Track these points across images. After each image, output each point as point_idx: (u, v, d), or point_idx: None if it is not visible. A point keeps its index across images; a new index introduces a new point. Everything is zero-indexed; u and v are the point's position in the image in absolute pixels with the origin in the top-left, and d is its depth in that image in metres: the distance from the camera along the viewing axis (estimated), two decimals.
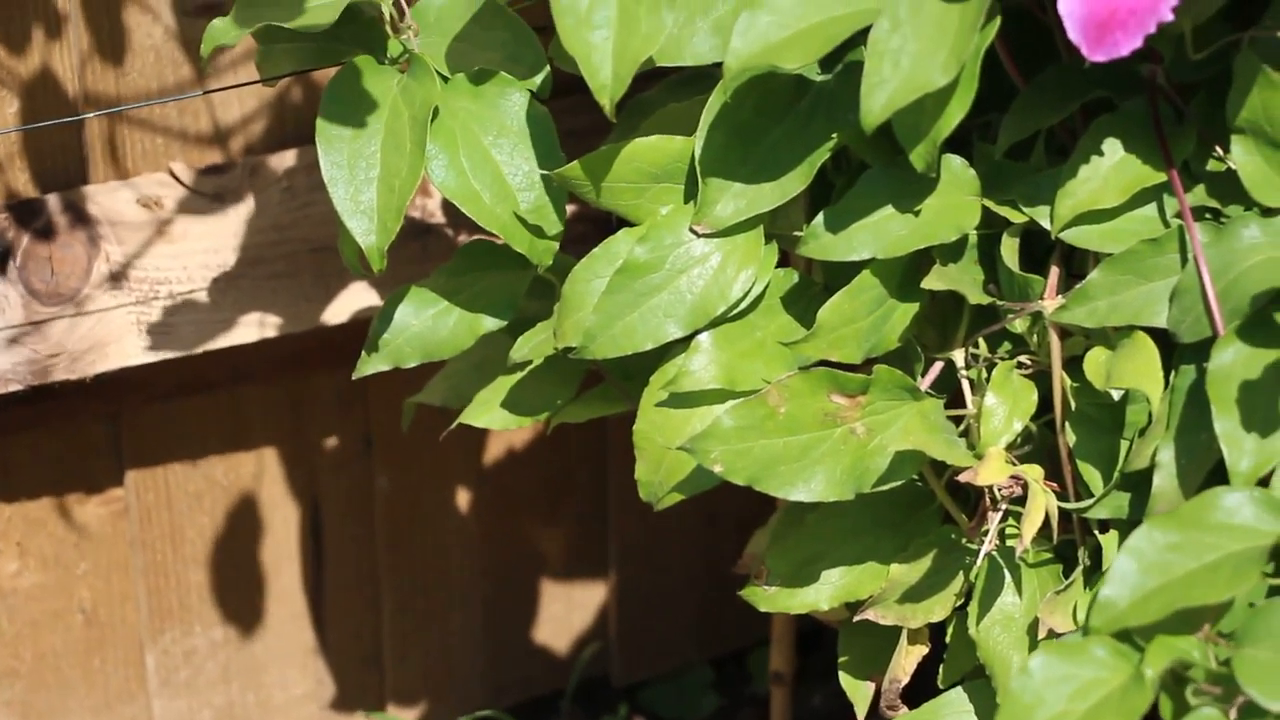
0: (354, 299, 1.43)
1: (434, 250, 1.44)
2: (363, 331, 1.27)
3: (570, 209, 1.21)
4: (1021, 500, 1.10)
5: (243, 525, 1.56)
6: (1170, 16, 0.98)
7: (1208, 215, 1.09)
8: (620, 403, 1.26)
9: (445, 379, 1.31)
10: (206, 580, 1.56)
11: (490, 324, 1.23)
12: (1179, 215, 1.08)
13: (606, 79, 1.08)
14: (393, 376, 1.31)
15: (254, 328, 1.41)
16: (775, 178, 1.11)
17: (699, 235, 1.12)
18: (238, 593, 1.57)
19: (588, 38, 1.08)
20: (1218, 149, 1.10)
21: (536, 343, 1.20)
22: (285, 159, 1.40)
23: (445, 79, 1.18)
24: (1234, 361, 1.04)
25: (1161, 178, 1.08)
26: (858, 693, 1.21)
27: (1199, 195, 1.09)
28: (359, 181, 1.15)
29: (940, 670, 1.17)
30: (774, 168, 1.12)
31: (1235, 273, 1.06)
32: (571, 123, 1.30)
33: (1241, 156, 1.07)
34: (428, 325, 1.23)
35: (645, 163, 1.14)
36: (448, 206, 1.44)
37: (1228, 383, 1.04)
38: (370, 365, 1.24)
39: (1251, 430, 1.03)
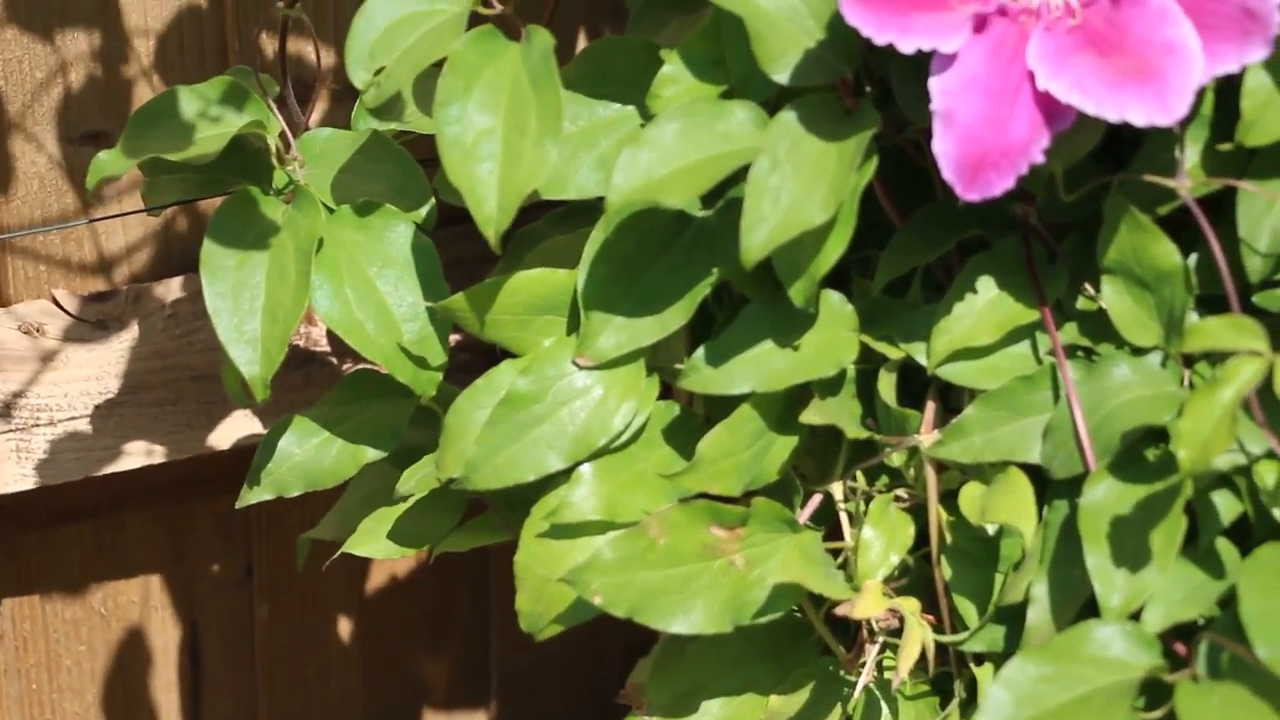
0: (237, 426, 1.43)
1: (318, 379, 1.44)
2: (246, 459, 1.27)
3: (455, 338, 1.21)
4: (899, 632, 1.11)
5: (121, 654, 1.55)
6: (1041, 159, 1.00)
7: (1080, 353, 1.11)
8: (502, 533, 1.26)
9: (337, 514, 1.32)
10: (83, 710, 1.54)
11: (373, 454, 1.23)
12: (1052, 353, 1.10)
13: (492, 212, 1.10)
14: (275, 504, 1.31)
15: (136, 455, 1.41)
16: (657, 311, 1.13)
17: (581, 368, 1.13)
18: None
19: (473, 171, 1.09)
20: (1089, 288, 1.12)
21: (421, 475, 1.21)
22: (170, 287, 1.40)
23: (331, 210, 1.18)
24: (1105, 497, 1.06)
25: (1035, 316, 1.10)
26: None
27: (1071, 333, 1.11)
28: (243, 311, 1.15)
29: None
30: (656, 301, 1.13)
31: (1106, 410, 1.08)
32: (458, 251, 1.31)
33: (1112, 296, 1.09)
34: (310, 455, 1.23)
35: (529, 295, 1.15)
36: (333, 335, 1.45)
37: (1099, 518, 1.06)
38: (253, 495, 1.24)
39: (1122, 565, 1.05)
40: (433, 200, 1.19)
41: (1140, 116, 0.98)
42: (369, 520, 1.25)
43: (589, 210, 1.18)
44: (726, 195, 1.13)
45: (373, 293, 1.17)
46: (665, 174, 1.07)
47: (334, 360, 1.45)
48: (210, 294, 1.16)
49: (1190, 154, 1.08)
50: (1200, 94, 1.00)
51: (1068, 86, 0.99)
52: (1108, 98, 0.98)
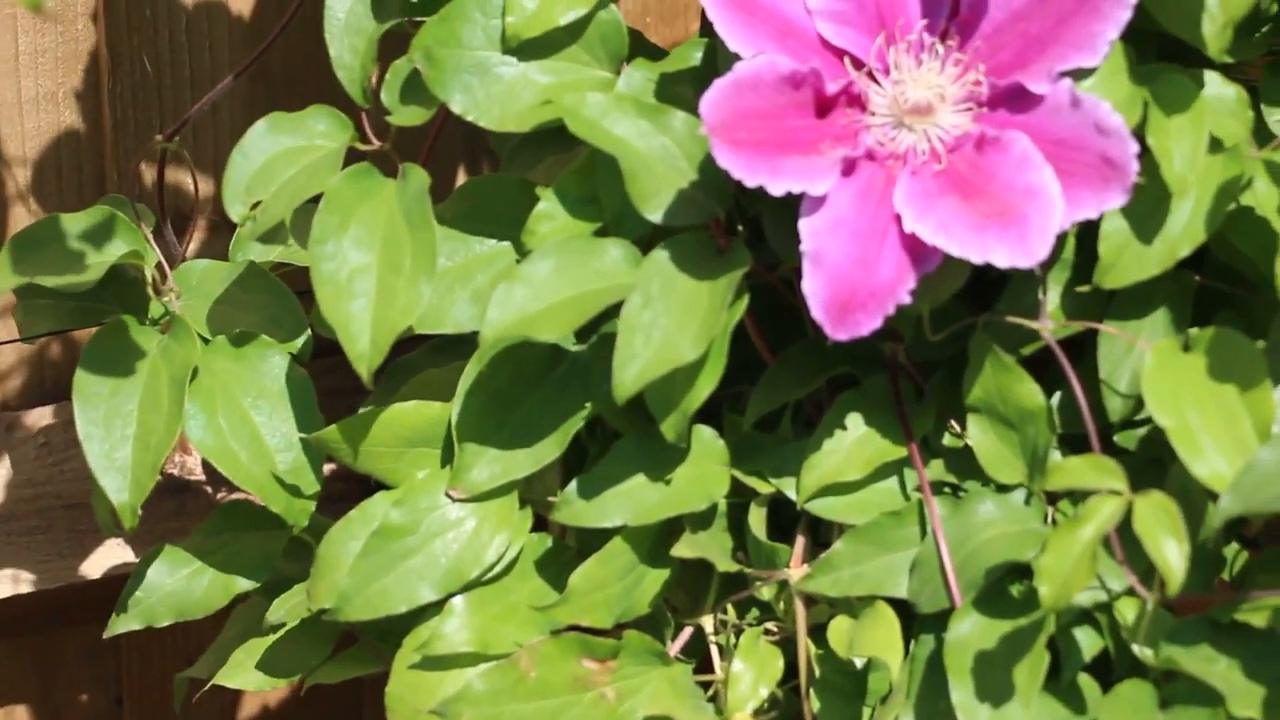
0: (108, 555, 1.42)
1: (192, 507, 1.44)
2: (117, 588, 1.27)
3: (329, 468, 1.22)
4: None
5: None
6: (908, 299, 1.02)
7: (946, 490, 1.13)
8: (375, 664, 1.26)
9: (214, 651, 1.31)
10: None
11: (244, 584, 1.23)
12: (919, 489, 1.12)
13: (364, 348, 1.10)
14: (146, 634, 1.30)
15: (4, 584, 1.40)
16: (530, 444, 1.14)
17: (455, 500, 1.14)
18: None
19: (347, 308, 1.10)
20: (955, 425, 1.14)
21: (292, 605, 1.20)
22: (42, 415, 1.40)
23: (206, 340, 1.19)
24: (970, 633, 1.08)
25: (902, 452, 1.12)
26: None
27: (938, 470, 1.13)
28: (114, 439, 1.15)
29: None
30: (529, 435, 1.14)
31: (972, 546, 1.10)
32: (334, 381, 1.32)
33: (977, 434, 1.11)
34: (181, 585, 1.23)
35: (403, 427, 1.15)
36: (208, 464, 1.44)
37: (964, 653, 1.07)
38: (122, 624, 1.24)
39: (986, 700, 1.06)
40: (308, 331, 1.20)
41: (1003, 259, 1.00)
42: (240, 651, 1.24)
43: (464, 343, 1.19)
44: (600, 330, 1.14)
45: (247, 422, 1.18)
46: (539, 309, 1.08)
47: (209, 489, 1.45)
48: (82, 421, 1.16)
49: (1052, 296, 1.11)
50: (1062, 238, 1.03)
51: (933, 229, 1.01)
52: (972, 240, 1.01)
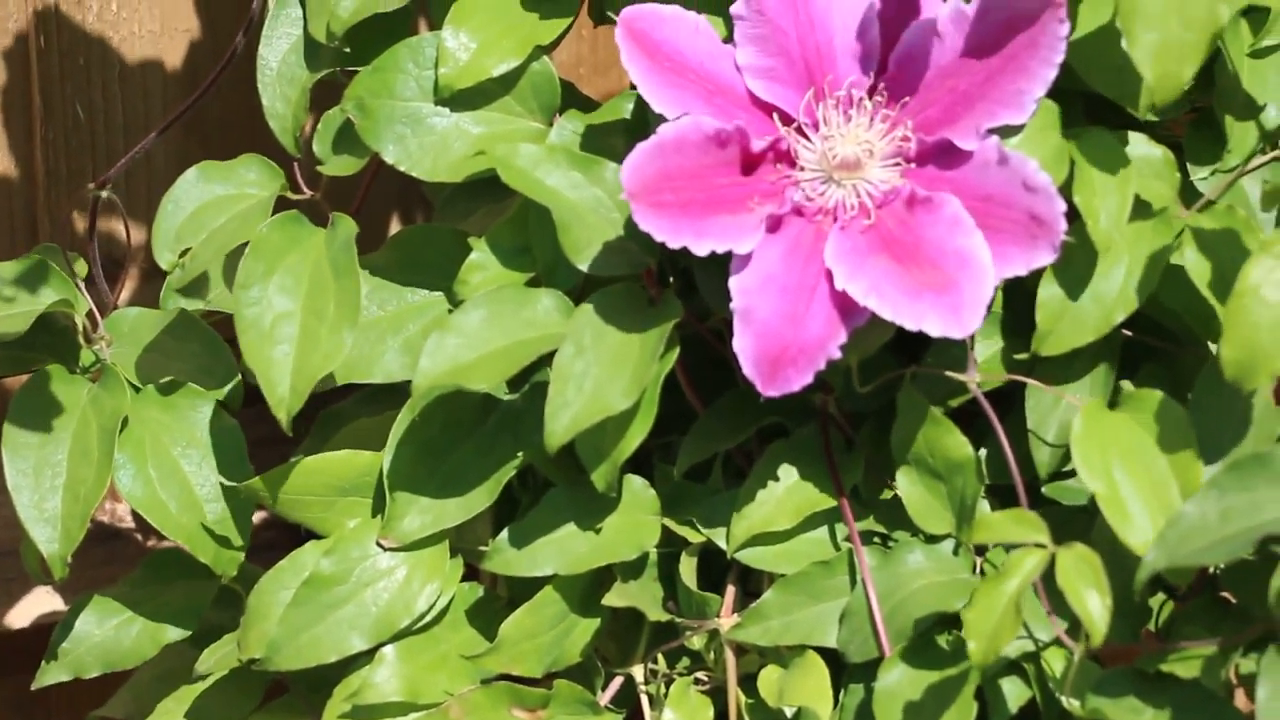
0: (37, 604, 1.41)
1: (122, 555, 1.43)
2: (45, 637, 1.26)
3: (260, 516, 1.22)
4: None
5: None
6: (838, 354, 1.03)
7: (876, 540, 1.13)
8: (305, 713, 1.26)
9: (129, 690, 1.30)
10: None
11: (174, 634, 1.23)
12: (849, 539, 1.13)
13: (284, 394, 1.11)
14: (74, 684, 1.29)
15: None
16: (462, 493, 1.14)
17: (385, 549, 1.14)
18: None
19: (269, 353, 1.11)
20: (885, 477, 1.14)
21: (221, 654, 1.20)
22: None
23: (137, 389, 1.19)
24: (899, 682, 1.08)
25: (832, 503, 1.13)
26: None
27: (868, 520, 1.14)
28: (44, 489, 1.15)
29: None
30: (461, 484, 1.14)
31: (901, 596, 1.10)
32: (265, 430, 1.31)
33: (906, 485, 1.12)
34: (110, 635, 1.23)
35: (334, 476, 1.15)
36: (138, 513, 1.44)
37: (893, 703, 1.08)
38: (50, 675, 1.23)
39: None
40: (238, 379, 1.20)
41: (935, 329, 1.00)
42: (168, 700, 1.24)
43: (396, 392, 1.19)
44: (532, 380, 1.14)
45: (176, 472, 1.18)
46: (471, 359, 1.09)
47: (138, 537, 1.45)
48: (11, 471, 1.15)
49: (981, 349, 1.12)
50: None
51: (865, 290, 1.02)
52: (905, 306, 1.01)
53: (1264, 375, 0.98)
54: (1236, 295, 0.97)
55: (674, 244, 1.02)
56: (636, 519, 1.14)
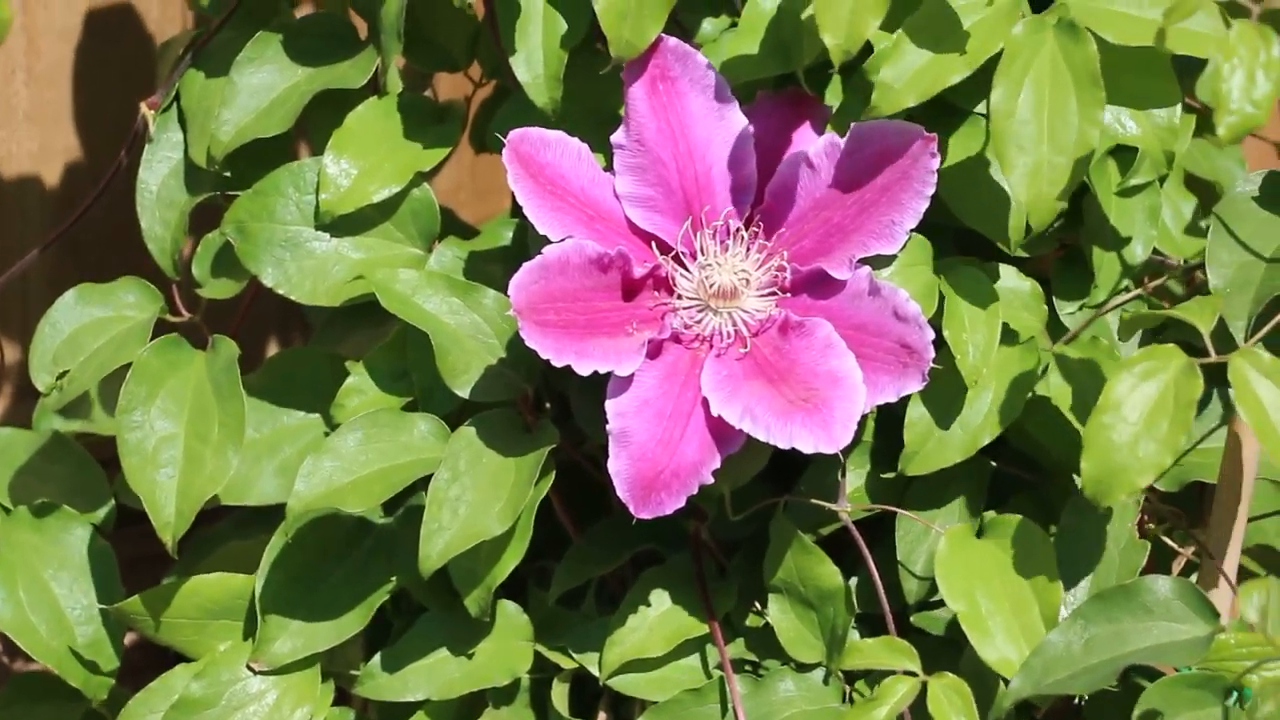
0: None
1: None
2: None
3: (130, 638, 1.21)
4: None
5: None
6: (711, 480, 1.04)
7: (747, 668, 1.14)
8: None
9: None
10: None
11: None
12: (720, 666, 1.13)
13: (170, 517, 1.10)
14: None
15: None
16: (334, 617, 1.14)
17: (256, 672, 1.13)
18: None
19: (153, 477, 1.10)
20: (757, 604, 1.15)
21: None
22: None
23: (8, 511, 1.18)
24: None
25: (704, 630, 1.13)
26: None
27: (739, 648, 1.14)
28: None
29: None
30: (333, 607, 1.14)
31: None
32: (138, 550, 1.30)
33: (777, 613, 1.13)
34: None
35: (206, 599, 1.15)
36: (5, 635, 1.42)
37: None
38: None
39: None
40: (112, 502, 1.19)
41: (808, 445, 1.02)
42: None
43: (271, 514, 1.19)
44: (407, 504, 1.15)
45: (47, 595, 1.17)
46: (346, 482, 1.09)
47: (6, 659, 1.43)
48: None
49: (852, 479, 1.13)
50: (863, 421, 1.05)
51: (739, 414, 1.03)
52: (777, 426, 1.02)
53: (1120, 492, 1.00)
54: (1097, 413, 0.99)
55: (558, 362, 1.03)
56: (509, 644, 1.15)
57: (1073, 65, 1.01)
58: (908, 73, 1.03)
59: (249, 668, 1.13)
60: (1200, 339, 1.01)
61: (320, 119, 1.15)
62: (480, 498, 1.07)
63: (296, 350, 1.20)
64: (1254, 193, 1.10)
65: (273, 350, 1.46)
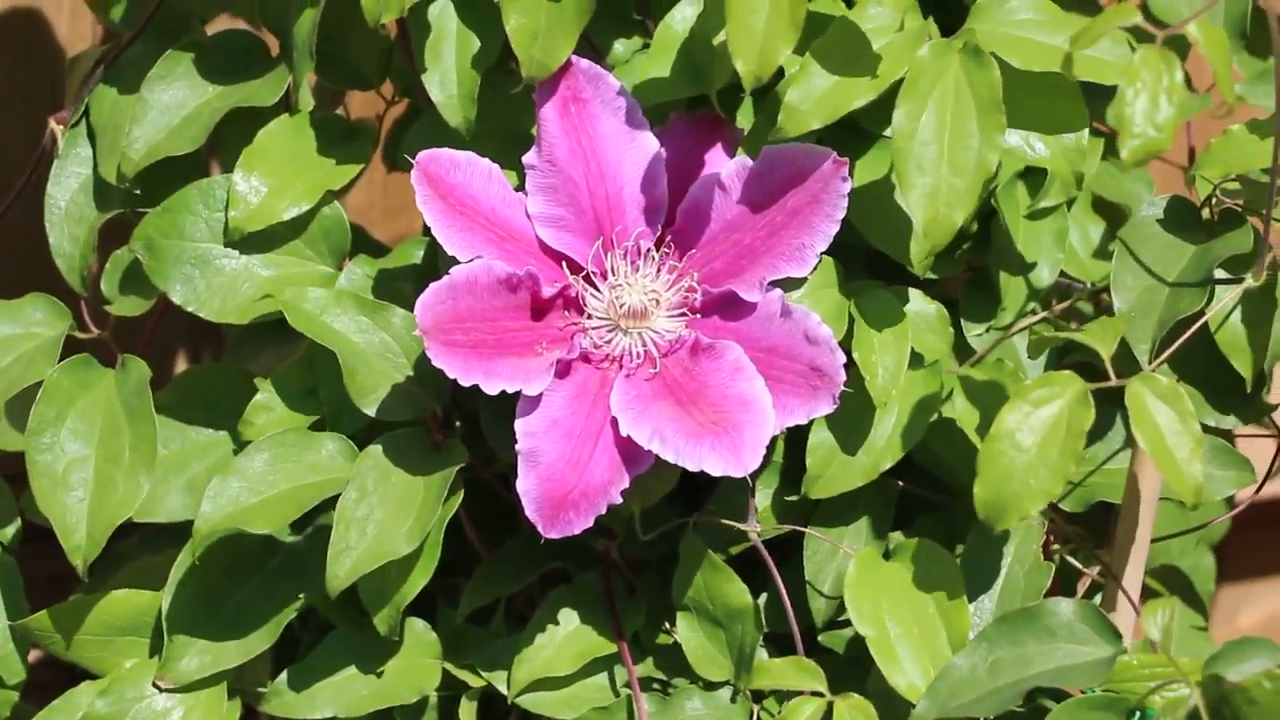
0: None
1: None
2: None
3: (34, 655, 1.20)
4: None
5: None
6: (620, 499, 1.04)
7: (655, 686, 1.14)
8: None
9: None
10: None
11: None
12: (628, 685, 1.13)
13: (81, 541, 1.10)
14: None
15: None
16: (241, 635, 1.13)
17: (162, 690, 1.13)
18: None
19: (63, 500, 1.10)
20: (666, 623, 1.15)
21: None
22: None
23: None
24: None
25: (613, 648, 1.14)
26: None
27: (648, 667, 1.15)
28: None
29: None
30: (241, 625, 1.13)
31: None
32: (45, 567, 1.30)
33: (686, 632, 1.13)
34: None
35: (112, 616, 1.14)
36: None
37: None
38: None
39: None
40: (18, 520, 1.19)
41: (716, 468, 1.02)
42: None
43: (179, 531, 1.18)
44: (316, 522, 1.14)
45: None
46: (254, 503, 1.08)
47: None
48: None
49: (761, 498, 1.14)
50: (772, 442, 1.05)
51: (649, 435, 1.03)
52: (686, 449, 1.03)
53: (1013, 517, 1.01)
54: (991, 439, 1.00)
55: (465, 382, 1.03)
56: (417, 662, 1.15)
57: (976, 89, 1.02)
58: (814, 95, 1.04)
59: (155, 685, 1.13)
60: (1103, 361, 1.02)
61: (232, 136, 1.15)
62: (388, 517, 1.07)
63: (206, 367, 1.19)
64: (1159, 216, 1.11)
65: (182, 366, 1.46)
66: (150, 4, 1.18)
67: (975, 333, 1.15)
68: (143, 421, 1.11)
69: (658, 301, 1.08)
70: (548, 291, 1.07)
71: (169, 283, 1.14)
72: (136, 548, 1.25)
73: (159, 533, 1.25)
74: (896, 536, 1.12)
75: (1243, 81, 1.30)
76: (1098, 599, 1.15)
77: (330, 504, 1.08)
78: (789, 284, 1.08)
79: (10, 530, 1.18)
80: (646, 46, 1.14)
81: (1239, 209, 1.10)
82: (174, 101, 1.15)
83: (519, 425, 1.04)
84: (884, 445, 1.10)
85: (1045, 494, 1.00)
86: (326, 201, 1.14)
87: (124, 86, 1.17)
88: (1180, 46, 0.97)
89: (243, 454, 1.09)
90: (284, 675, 1.13)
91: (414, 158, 1.06)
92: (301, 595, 1.13)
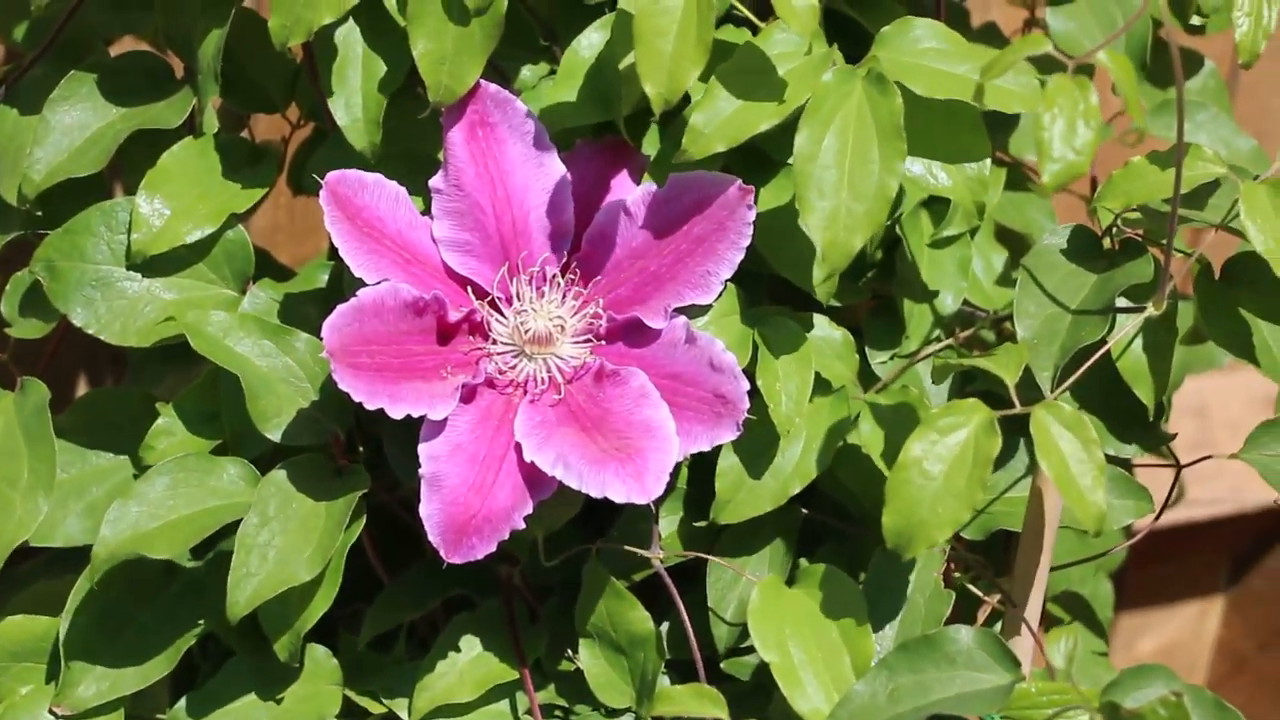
0: None
1: None
2: None
3: None
4: None
5: None
6: (523, 525, 1.04)
7: (557, 713, 1.14)
8: None
9: None
10: None
11: None
12: (530, 712, 1.13)
13: None
14: None
15: None
16: (140, 661, 1.12)
17: (59, 717, 1.12)
18: None
19: None
20: (569, 650, 1.15)
21: None
22: None
23: None
24: None
25: (515, 675, 1.13)
26: None
27: (549, 693, 1.14)
28: None
29: None
30: (140, 651, 1.12)
31: None
32: None
33: (588, 659, 1.13)
34: None
35: (9, 641, 1.13)
36: None
37: None
38: None
39: None
40: None
41: (620, 495, 1.02)
42: None
43: (79, 555, 1.17)
44: (217, 548, 1.14)
45: None
46: (154, 528, 1.08)
47: None
48: None
49: (665, 525, 1.14)
50: (676, 469, 1.06)
51: (552, 461, 1.03)
52: (590, 475, 1.03)
53: (922, 545, 1.01)
54: (899, 468, 1.01)
55: (370, 405, 1.03)
56: (318, 689, 1.14)
57: (878, 116, 1.03)
58: (718, 118, 1.04)
59: (52, 712, 1.12)
60: (1007, 389, 1.03)
61: (135, 158, 1.14)
62: (290, 543, 1.06)
63: (107, 390, 1.18)
64: (1061, 245, 1.12)
65: (82, 389, 1.45)
66: (53, 25, 1.17)
67: (880, 360, 1.15)
68: (41, 444, 1.10)
69: (563, 328, 1.08)
70: (454, 316, 1.07)
71: (70, 305, 1.13)
72: (35, 572, 1.24)
73: (58, 557, 1.24)
74: (801, 563, 1.13)
75: (1145, 113, 1.32)
76: (998, 626, 1.15)
77: (231, 529, 1.08)
78: (694, 311, 1.08)
79: None
80: (553, 73, 1.14)
81: (1140, 239, 1.11)
82: (76, 123, 1.15)
83: (423, 450, 1.04)
84: (792, 470, 1.10)
85: (953, 521, 1.01)
86: (230, 225, 1.14)
87: (25, 107, 1.16)
88: (1089, 75, 0.98)
89: (143, 478, 1.08)
90: (183, 702, 1.12)
91: (322, 178, 1.06)
92: (201, 621, 1.12)
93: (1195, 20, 1.18)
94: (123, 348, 1.14)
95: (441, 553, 1.04)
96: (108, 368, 1.45)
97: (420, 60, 1.07)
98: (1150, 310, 1.08)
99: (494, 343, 1.08)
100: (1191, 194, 1.09)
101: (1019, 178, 1.33)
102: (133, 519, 1.08)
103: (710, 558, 1.13)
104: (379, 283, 1.06)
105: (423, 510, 1.04)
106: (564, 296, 1.09)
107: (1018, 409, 1.02)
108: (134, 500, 1.08)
